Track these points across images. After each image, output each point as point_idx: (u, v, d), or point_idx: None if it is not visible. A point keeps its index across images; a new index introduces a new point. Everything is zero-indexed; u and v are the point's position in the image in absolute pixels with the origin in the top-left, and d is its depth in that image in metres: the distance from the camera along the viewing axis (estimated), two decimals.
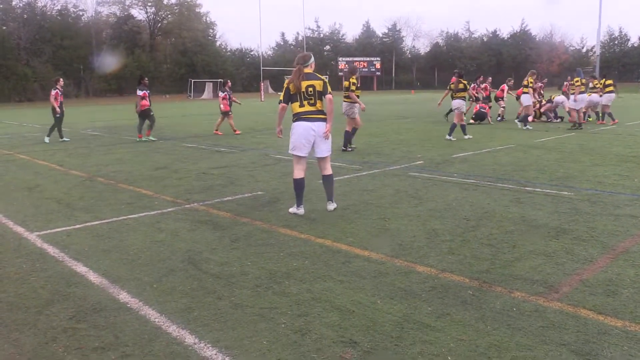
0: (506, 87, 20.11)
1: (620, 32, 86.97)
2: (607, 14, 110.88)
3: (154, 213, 6.23)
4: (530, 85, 16.86)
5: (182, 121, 20.82)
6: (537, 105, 19.28)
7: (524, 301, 3.55)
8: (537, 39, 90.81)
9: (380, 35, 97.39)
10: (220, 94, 16.00)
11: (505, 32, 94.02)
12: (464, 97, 13.41)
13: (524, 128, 16.24)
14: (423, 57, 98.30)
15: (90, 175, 9.07)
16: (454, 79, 13.52)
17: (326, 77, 5.71)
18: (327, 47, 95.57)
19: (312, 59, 6.01)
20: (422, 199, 6.64)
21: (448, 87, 13.88)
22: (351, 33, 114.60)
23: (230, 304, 3.60)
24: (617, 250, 4.59)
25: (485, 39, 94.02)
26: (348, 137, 11.34)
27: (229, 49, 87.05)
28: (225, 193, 7.29)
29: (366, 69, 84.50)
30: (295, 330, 3.19)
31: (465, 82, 13.39)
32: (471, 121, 18.29)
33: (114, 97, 63.99)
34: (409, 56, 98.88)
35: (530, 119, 16.83)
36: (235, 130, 16.11)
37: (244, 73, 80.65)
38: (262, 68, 58.48)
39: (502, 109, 19.94)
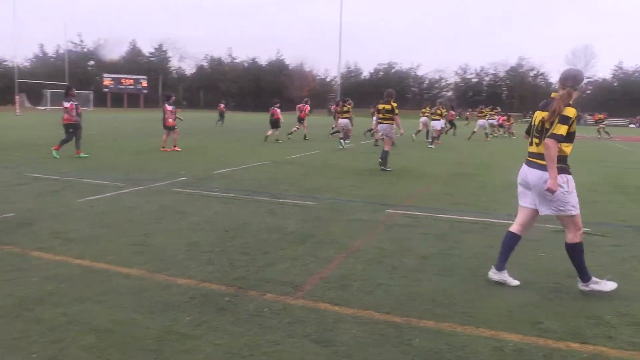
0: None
1: (356, 66, 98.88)
2: (345, 50, 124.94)
3: None
4: (441, 113, 21.25)
5: None
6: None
7: (274, 302, 3.74)
8: (290, 68, 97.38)
9: (147, 54, 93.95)
10: (169, 108, 14.98)
11: (263, 60, 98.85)
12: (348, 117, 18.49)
13: (430, 147, 19.39)
14: (189, 77, 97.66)
15: None
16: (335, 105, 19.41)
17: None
18: (92, 62, 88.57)
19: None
20: (184, 214, 6.55)
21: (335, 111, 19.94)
22: (117, 50, 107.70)
23: None
24: (349, 249, 5.15)
25: (246, 65, 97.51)
26: (385, 156, 11.59)
27: None
28: None
29: (132, 87, 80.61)
30: (48, 358, 2.86)
31: (349, 106, 18.69)
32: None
33: None
34: (176, 76, 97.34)
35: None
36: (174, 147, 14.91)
37: None
38: (17, 80, 51.49)
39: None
